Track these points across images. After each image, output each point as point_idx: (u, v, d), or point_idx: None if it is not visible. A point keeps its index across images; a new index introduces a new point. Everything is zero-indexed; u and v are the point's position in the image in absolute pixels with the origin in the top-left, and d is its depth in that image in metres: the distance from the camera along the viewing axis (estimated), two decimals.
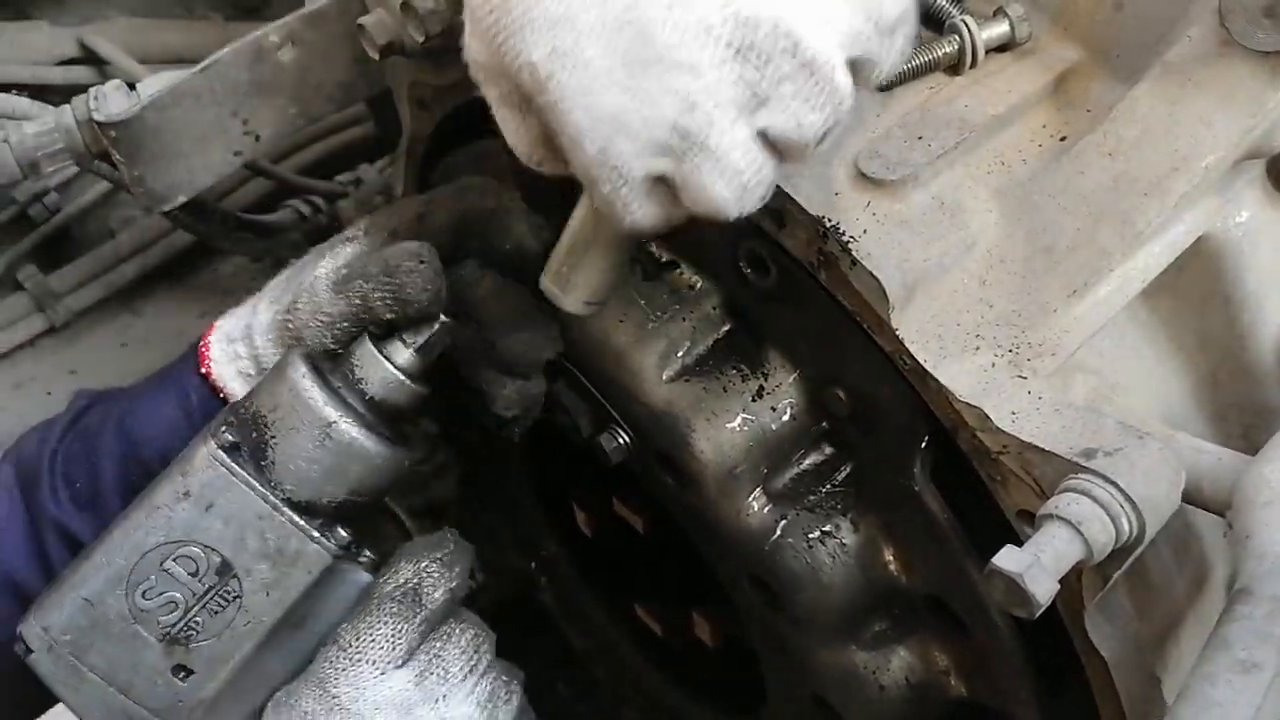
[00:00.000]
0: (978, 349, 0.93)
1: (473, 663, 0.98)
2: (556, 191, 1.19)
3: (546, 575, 1.68)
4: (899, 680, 1.10)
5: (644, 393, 1.10)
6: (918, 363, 0.92)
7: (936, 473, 1.00)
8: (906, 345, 0.92)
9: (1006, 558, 0.80)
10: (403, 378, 1.02)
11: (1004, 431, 0.88)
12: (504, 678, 1.01)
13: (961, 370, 0.92)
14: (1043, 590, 0.79)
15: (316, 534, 0.97)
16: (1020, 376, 0.91)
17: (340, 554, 0.98)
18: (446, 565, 1.00)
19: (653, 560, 1.52)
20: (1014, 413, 0.89)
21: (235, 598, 0.96)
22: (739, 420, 1.08)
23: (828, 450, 1.10)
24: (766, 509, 1.08)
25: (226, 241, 1.71)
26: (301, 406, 0.97)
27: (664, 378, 1.10)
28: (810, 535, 1.07)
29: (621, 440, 1.14)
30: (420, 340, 1.03)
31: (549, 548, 1.61)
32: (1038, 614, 0.81)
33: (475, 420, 1.56)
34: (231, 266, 2.03)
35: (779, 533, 1.07)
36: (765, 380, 1.09)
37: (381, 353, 1.02)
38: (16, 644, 0.99)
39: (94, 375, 1.91)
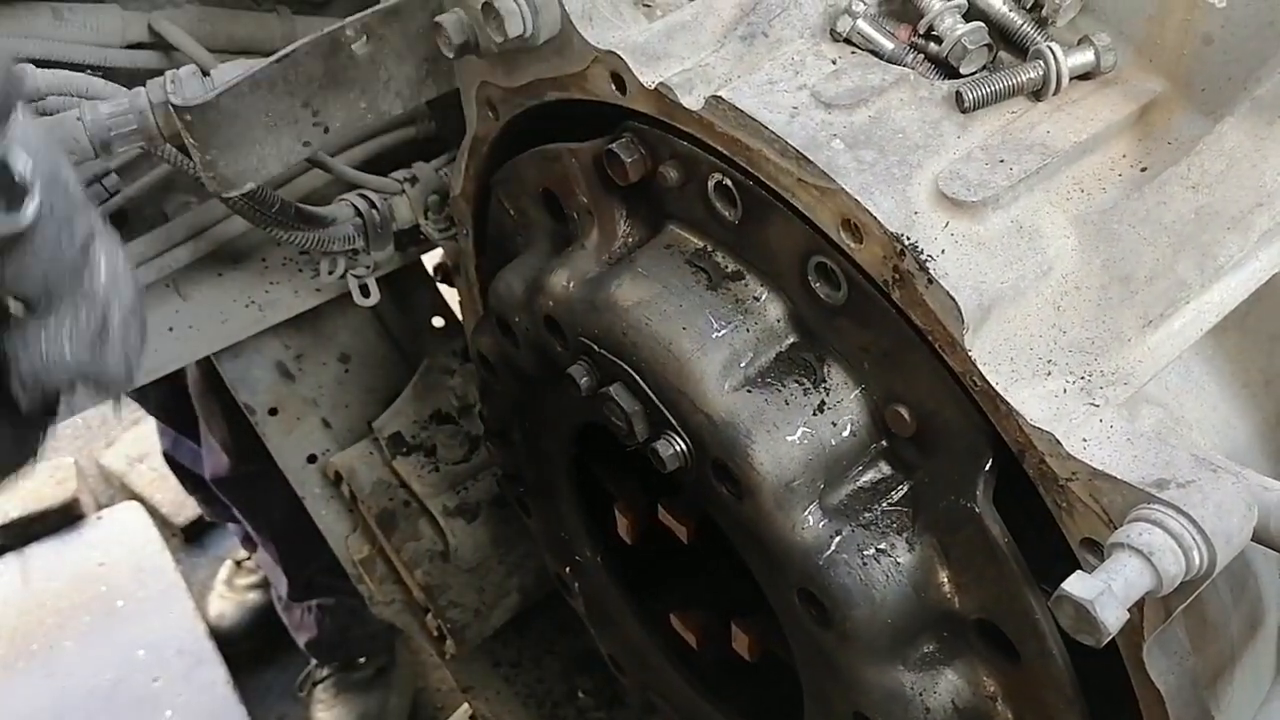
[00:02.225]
0: (1050, 374, 0.93)
1: None
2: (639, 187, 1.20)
3: (580, 580, 1.68)
4: (945, 704, 1.10)
5: (705, 401, 1.10)
6: (989, 385, 0.92)
7: (1000, 496, 0.99)
8: (978, 367, 0.93)
9: (1077, 584, 0.80)
10: None
11: (1074, 458, 0.88)
12: None
13: (1033, 395, 0.92)
14: (1113, 618, 0.78)
15: None
16: (1092, 404, 0.91)
17: None
18: None
19: (693, 570, 1.52)
20: (1085, 440, 0.89)
21: None
22: (799, 433, 1.08)
23: (886, 469, 1.10)
24: (822, 524, 1.08)
25: (282, 231, 1.73)
26: None
27: (726, 387, 1.10)
28: (865, 552, 1.07)
29: (678, 447, 1.14)
30: None
31: (585, 553, 1.61)
32: (1105, 642, 0.80)
33: (522, 426, 1.57)
34: (280, 257, 2.04)
35: (833, 548, 1.07)
36: (827, 395, 1.09)
37: None
38: None
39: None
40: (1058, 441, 0.89)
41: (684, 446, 1.14)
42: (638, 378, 1.16)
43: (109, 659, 3.13)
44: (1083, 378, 0.92)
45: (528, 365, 1.40)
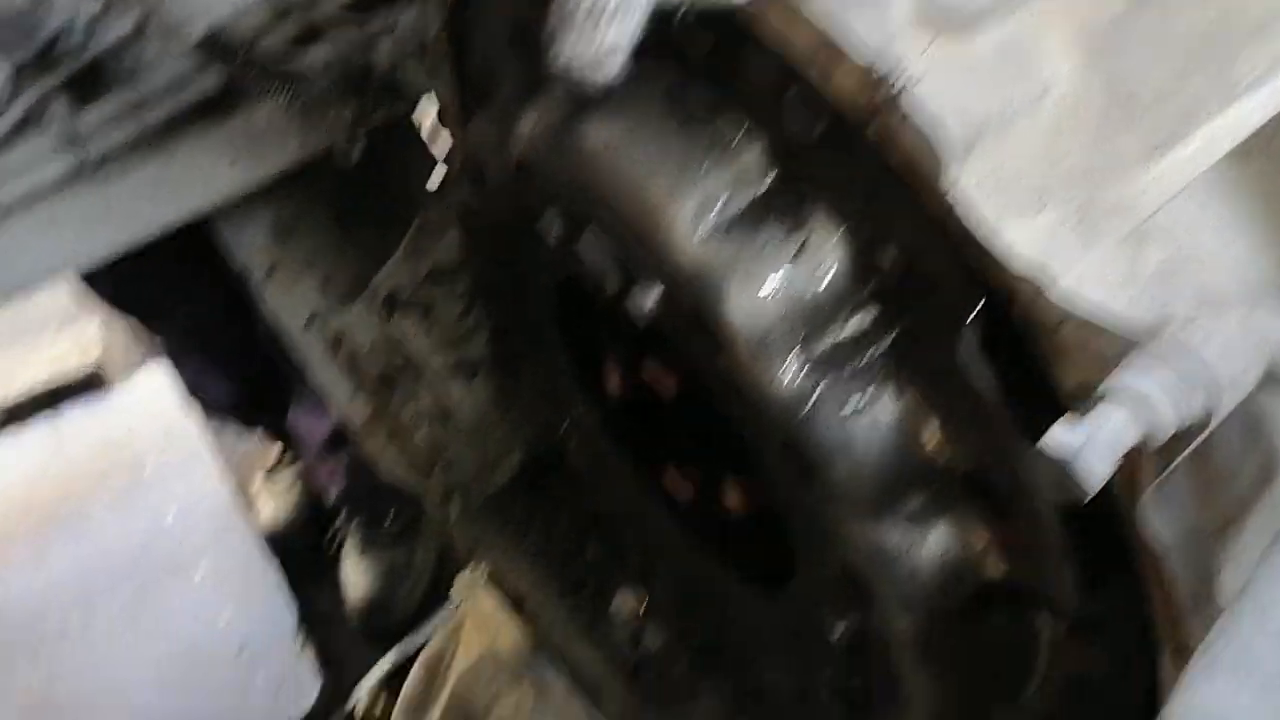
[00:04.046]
0: (1043, 208, 0.84)
1: None
2: None
3: (577, 437, 1.64)
4: (934, 558, 1.05)
5: (676, 249, 1.03)
6: (975, 221, 0.84)
7: (987, 345, 0.92)
8: (963, 202, 0.84)
9: (1058, 435, 0.74)
10: None
11: (1067, 300, 0.81)
12: None
13: (1023, 231, 0.84)
14: (1095, 473, 0.72)
15: None
16: (1089, 239, 0.83)
17: None
18: None
19: (683, 424, 1.47)
20: (1079, 279, 0.81)
21: None
22: (777, 281, 1.00)
23: (870, 317, 1.02)
24: (802, 376, 1.02)
25: (256, 83, 1.65)
26: None
27: (698, 234, 1.03)
28: (847, 406, 1.00)
29: (650, 300, 1.08)
30: None
31: (579, 410, 1.57)
32: (1088, 498, 0.75)
33: (507, 279, 1.51)
34: (265, 112, 1.96)
35: (814, 402, 1.01)
36: (807, 238, 1.01)
37: None
38: None
39: (125, 220, 1.87)
40: (1049, 281, 0.81)
41: (656, 298, 1.07)
42: (607, 226, 1.09)
43: (137, 524, 3.19)
44: (1080, 211, 0.84)
45: (503, 217, 1.33)
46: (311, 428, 3.13)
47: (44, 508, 3.25)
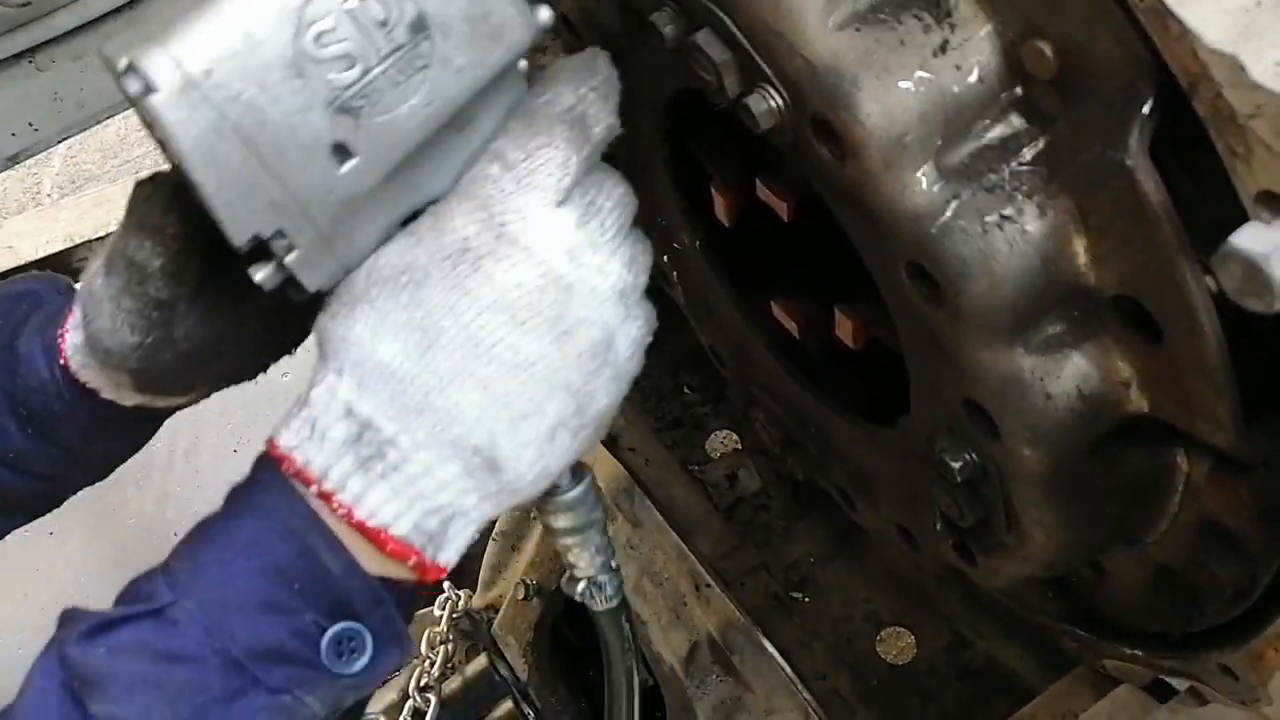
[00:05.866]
0: None
1: (624, 220, 0.87)
2: None
3: (679, 269, 1.58)
4: (1069, 390, 0.97)
5: (804, 43, 0.94)
6: None
7: (1157, 145, 0.82)
8: None
9: (1250, 236, 0.65)
10: None
11: (1263, 87, 0.70)
12: (642, 244, 0.91)
13: (1215, 9, 0.73)
14: None
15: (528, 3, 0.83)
16: None
17: (540, 38, 0.84)
18: (604, 96, 0.88)
19: (795, 252, 1.39)
20: (1279, 64, 0.71)
21: (423, 67, 0.79)
22: (915, 79, 0.91)
23: (1018, 121, 0.93)
24: (937, 187, 0.93)
25: None
26: None
27: (829, 25, 0.93)
28: (987, 219, 0.92)
29: (773, 102, 0.99)
30: None
31: (683, 240, 1.50)
32: (1276, 309, 0.66)
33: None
34: None
35: (949, 214, 0.93)
36: (952, 32, 0.91)
37: None
38: (126, 79, 0.73)
39: None
40: (1242, 67, 0.71)
41: (779, 101, 0.99)
42: (727, 20, 1.00)
43: None
44: None
45: (610, 21, 1.24)
46: None
47: None
